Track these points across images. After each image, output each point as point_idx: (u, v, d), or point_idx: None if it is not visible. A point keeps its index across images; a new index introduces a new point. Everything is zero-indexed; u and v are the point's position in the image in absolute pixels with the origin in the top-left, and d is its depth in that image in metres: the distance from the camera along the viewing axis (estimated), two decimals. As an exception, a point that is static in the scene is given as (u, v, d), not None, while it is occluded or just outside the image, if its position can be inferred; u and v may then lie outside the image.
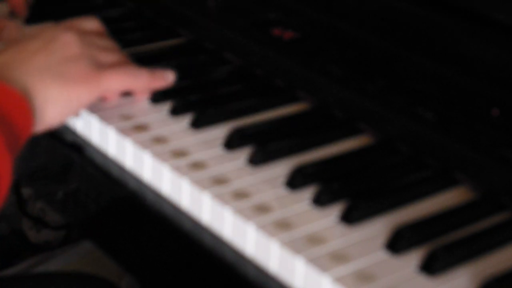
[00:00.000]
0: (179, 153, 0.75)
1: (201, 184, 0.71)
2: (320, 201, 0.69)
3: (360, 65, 0.83)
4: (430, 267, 0.63)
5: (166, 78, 0.83)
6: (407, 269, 0.63)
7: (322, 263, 0.62)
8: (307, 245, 0.64)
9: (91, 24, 0.84)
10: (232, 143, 0.76)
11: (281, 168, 0.74)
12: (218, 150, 0.76)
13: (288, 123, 0.82)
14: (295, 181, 0.71)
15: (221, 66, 0.92)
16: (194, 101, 0.83)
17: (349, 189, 0.71)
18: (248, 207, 0.68)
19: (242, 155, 0.75)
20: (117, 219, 0.80)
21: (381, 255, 0.64)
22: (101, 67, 0.78)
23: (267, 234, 0.65)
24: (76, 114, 0.78)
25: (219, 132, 0.79)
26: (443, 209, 0.69)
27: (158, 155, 0.74)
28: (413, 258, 0.64)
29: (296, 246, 0.64)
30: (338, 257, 0.63)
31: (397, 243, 0.65)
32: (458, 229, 0.67)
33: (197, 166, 0.73)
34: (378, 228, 0.67)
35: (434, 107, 0.76)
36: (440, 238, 0.66)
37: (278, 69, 0.87)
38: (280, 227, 0.66)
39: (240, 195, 0.70)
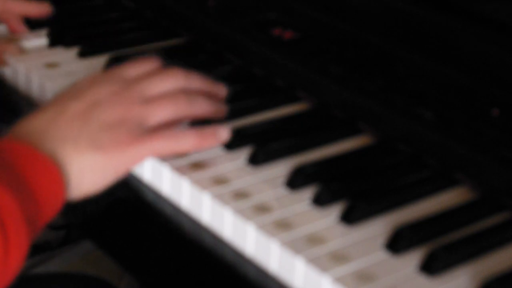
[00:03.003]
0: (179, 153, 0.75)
1: (201, 184, 0.71)
2: (320, 201, 0.69)
3: (360, 65, 0.83)
4: (430, 267, 0.63)
5: (218, 136, 0.75)
6: (407, 269, 0.63)
7: (322, 263, 0.62)
8: (307, 245, 0.64)
9: (147, 67, 0.78)
10: (232, 143, 0.76)
11: (281, 168, 0.74)
12: (218, 150, 0.76)
13: (288, 123, 0.82)
14: (295, 181, 0.71)
15: (221, 66, 0.92)
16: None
17: (349, 189, 0.71)
18: (248, 207, 0.68)
19: (242, 155, 0.75)
20: (117, 219, 0.80)
21: (381, 255, 0.64)
22: (144, 131, 0.72)
23: (267, 234, 0.65)
24: (115, 180, 0.72)
25: (219, 132, 0.79)
26: (443, 209, 0.69)
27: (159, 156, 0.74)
28: (413, 258, 0.64)
29: (296, 246, 0.64)
30: (338, 257, 0.63)
31: (397, 243, 0.65)
32: (458, 229, 0.67)
33: (197, 166, 0.73)
34: (378, 228, 0.67)
35: (434, 107, 0.76)
36: (440, 238, 0.66)
37: (278, 69, 0.87)
38: (280, 227, 0.66)
39: (240, 195, 0.70)
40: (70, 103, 0.72)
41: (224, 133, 0.75)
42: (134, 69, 0.78)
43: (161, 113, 0.74)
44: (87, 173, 0.69)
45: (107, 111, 0.72)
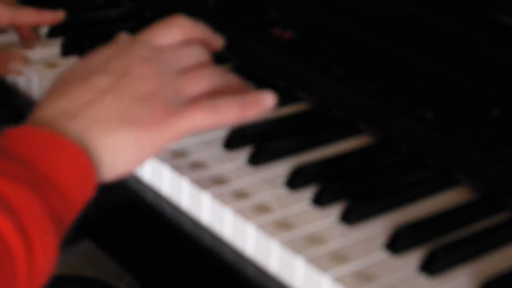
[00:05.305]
0: (179, 153, 0.75)
1: (201, 184, 0.71)
2: (320, 201, 0.69)
3: (360, 65, 0.83)
4: (430, 267, 0.63)
5: (263, 102, 0.69)
6: (407, 269, 0.63)
7: (322, 263, 0.62)
8: (307, 245, 0.64)
9: (176, 32, 0.72)
10: (232, 143, 0.76)
11: (281, 168, 0.74)
12: (218, 150, 0.76)
13: (288, 123, 0.82)
14: (295, 181, 0.71)
15: (220, 65, 0.92)
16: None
17: (349, 189, 0.71)
18: (248, 207, 0.68)
19: (242, 155, 0.75)
20: (117, 219, 0.80)
21: (381, 255, 0.64)
22: (181, 103, 0.66)
23: (267, 234, 0.65)
24: (152, 157, 0.67)
25: (219, 132, 0.79)
26: (443, 209, 0.69)
27: (158, 155, 0.74)
28: (413, 258, 0.64)
29: (296, 246, 0.64)
30: (338, 257, 0.63)
31: (397, 243, 0.65)
32: (458, 229, 0.67)
33: (196, 166, 0.73)
34: (378, 228, 0.67)
35: (434, 107, 0.76)
36: (440, 238, 0.66)
37: (278, 69, 0.87)
38: (280, 227, 0.66)
39: (240, 195, 0.70)
40: (96, 78, 0.65)
41: (269, 98, 0.69)
42: (160, 35, 0.72)
43: (197, 85, 0.69)
44: (122, 153, 0.64)
45: (138, 82, 0.65)
